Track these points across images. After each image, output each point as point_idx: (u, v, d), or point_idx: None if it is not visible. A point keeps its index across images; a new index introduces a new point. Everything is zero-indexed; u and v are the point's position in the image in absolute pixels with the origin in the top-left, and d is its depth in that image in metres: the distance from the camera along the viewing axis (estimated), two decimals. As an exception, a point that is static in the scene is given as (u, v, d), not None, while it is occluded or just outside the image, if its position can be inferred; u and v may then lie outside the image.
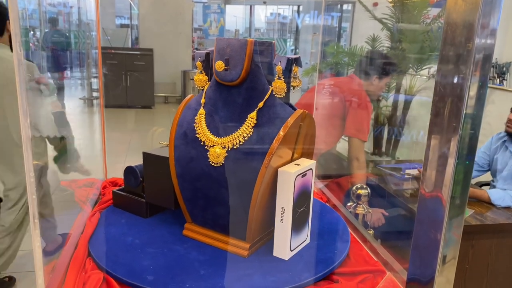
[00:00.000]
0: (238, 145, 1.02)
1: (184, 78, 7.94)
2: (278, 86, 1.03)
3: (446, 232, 0.67)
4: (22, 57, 0.71)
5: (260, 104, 1.03)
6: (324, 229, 1.26)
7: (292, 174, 1.00)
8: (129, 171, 1.30)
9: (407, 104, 3.64)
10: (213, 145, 1.05)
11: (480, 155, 2.66)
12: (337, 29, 8.09)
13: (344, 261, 1.10)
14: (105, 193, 1.44)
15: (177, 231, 1.18)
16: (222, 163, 1.03)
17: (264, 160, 0.99)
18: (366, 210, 1.57)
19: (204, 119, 1.09)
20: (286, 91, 1.03)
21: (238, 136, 1.03)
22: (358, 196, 1.57)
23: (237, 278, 0.98)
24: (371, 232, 1.59)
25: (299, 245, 1.10)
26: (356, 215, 1.56)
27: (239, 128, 1.03)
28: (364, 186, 1.60)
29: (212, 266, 1.03)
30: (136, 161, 1.32)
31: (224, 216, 1.08)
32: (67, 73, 7.49)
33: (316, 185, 1.68)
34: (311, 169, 1.08)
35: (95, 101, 7.25)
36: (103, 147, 1.69)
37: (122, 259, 1.05)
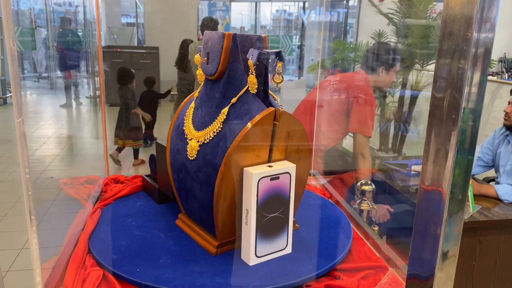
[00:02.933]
0: (208, 140, 1.01)
1: (190, 75, 7.93)
2: (250, 81, 0.99)
3: (446, 227, 0.65)
4: (15, 52, 0.69)
5: (234, 100, 1.00)
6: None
7: (254, 175, 0.92)
8: (151, 159, 1.37)
9: (413, 99, 3.61)
10: (191, 139, 1.04)
11: (484, 150, 2.60)
12: (343, 25, 8.03)
13: (346, 257, 1.09)
14: (107, 190, 1.44)
15: (174, 220, 1.20)
16: (195, 157, 1.03)
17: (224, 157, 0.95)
18: (370, 206, 1.56)
19: (192, 113, 1.09)
20: (257, 86, 0.98)
21: (209, 131, 1.01)
22: (363, 192, 1.56)
23: (187, 273, 0.96)
24: (376, 228, 1.58)
25: (271, 253, 1.02)
26: (361, 211, 1.54)
27: (212, 123, 1.02)
28: (369, 182, 1.58)
29: (175, 257, 1.02)
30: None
31: (198, 211, 1.07)
32: (77, 71, 7.56)
33: (319, 181, 1.66)
34: (287, 173, 0.98)
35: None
36: (104, 144, 1.69)
37: (105, 236, 1.07)
